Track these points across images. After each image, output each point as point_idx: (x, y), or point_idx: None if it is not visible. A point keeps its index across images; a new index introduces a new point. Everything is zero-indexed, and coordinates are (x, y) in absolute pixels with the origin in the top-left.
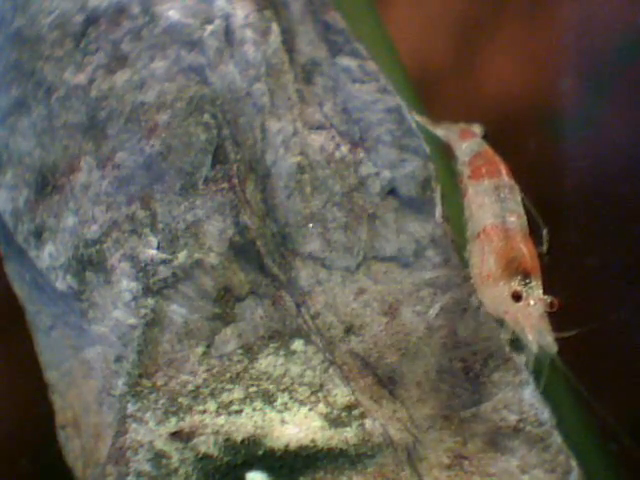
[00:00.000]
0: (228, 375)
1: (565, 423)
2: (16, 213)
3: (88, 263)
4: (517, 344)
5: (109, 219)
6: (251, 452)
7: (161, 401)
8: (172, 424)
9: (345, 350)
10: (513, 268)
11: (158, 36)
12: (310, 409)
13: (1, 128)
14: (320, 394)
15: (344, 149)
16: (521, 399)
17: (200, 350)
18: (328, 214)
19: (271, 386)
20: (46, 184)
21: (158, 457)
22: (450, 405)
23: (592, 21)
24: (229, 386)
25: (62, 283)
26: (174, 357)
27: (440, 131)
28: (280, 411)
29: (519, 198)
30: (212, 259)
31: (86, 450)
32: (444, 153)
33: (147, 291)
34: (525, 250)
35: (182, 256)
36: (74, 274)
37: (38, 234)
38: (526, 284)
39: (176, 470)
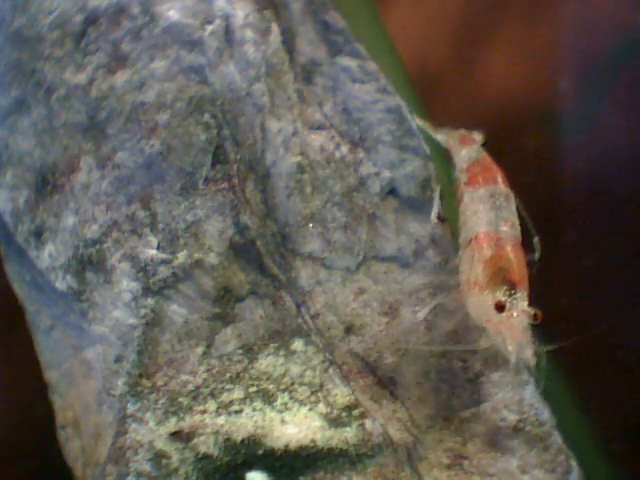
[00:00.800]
0: (228, 375)
1: (565, 423)
2: (16, 213)
3: (88, 263)
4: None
5: (109, 219)
6: (251, 452)
7: (161, 401)
8: (172, 424)
9: (345, 350)
10: (500, 278)
11: (158, 36)
12: (310, 409)
13: (1, 128)
14: (320, 394)
15: (344, 149)
16: (521, 399)
17: (200, 350)
18: (328, 214)
19: (271, 386)
20: (46, 184)
21: (158, 457)
22: (450, 405)
23: (592, 21)
24: (229, 386)
25: (62, 283)
26: (174, 357)
27: (440, 136)
28: (280, 411)
29: (514, 207)
30: (212, 259)
31: (86, 450)
32: (444, 154)
33: (147, 291)
34: (514, 261)
35: (182, 256)
36: (74, 274)
37: (38, 234)
38: (511, 295)
39: (176, 470)
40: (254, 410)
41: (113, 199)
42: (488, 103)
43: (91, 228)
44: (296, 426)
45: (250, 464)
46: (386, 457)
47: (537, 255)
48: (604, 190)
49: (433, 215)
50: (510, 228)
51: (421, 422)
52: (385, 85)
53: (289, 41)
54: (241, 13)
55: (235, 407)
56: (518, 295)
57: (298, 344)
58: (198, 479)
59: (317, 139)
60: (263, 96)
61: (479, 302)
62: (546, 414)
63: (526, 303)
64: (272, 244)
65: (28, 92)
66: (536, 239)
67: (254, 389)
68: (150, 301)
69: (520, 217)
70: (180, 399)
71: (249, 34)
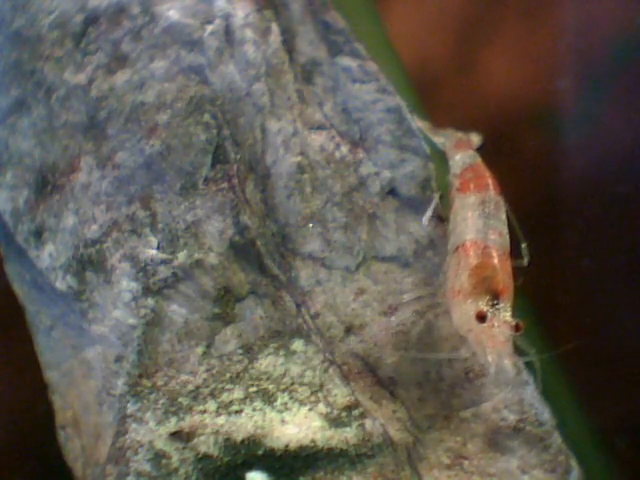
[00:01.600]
0: (228, 375)
1: (565, 423)
2: (16, 213)
3: (88, 263)
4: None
5: (109, 219)
6: (251, 452)
7: (161, 401)
8: (172, 424)
9: (345, 350)
10: (484, 287)
11: (158, 36)
12: (310, 409)
13: (1, 128)
14: (320, 394)
15: (344, 149)
16: (521, 399)
17: (200, 350)
18: (328, 214)
19: (271, 386)
20: (46, 184)
21: (158, 457)
22: (450, 405)
23: (592, 21)
24: (229, 386)
25: (62, 283)
26: (174, 357)
27: (438, 138)
28: (280, 411)
29: (504, 216)
30: (212, 259)
31: (86, 450)
32: (444, 154)
33: (147, 291)
34: (500, 270)
35: (182, 256)
36: (74, 274)
37: (38, 234)
38: (493, 305)
39: (176, 470)
40: (254, 410)
41: (113, 199)
42: (488, 103)
43: (91, 228)
44: (296, 426)
45: (250, 464)
46: (386, 457)
47: (525, 261)
48: (604, 190)
49: (425, 219)
50: (498, 236)
51: (421, 422)
52: (385, 85)
53: (289, 41)
54: (241, 13)
55: (235, 407)
56: (501, 305)
57: (298, 344)
58: (198, 479)
59: (317, 139)
60: (263, 96)
61: (462, 311)
62: (546, 414)
63: (509, 314)
64: (272, 244)
65: (28, 92)
66: (524, 245)
67: (254, 389)
68: (150, 301)
69: (509, 224)
70: (180, 399)
71: (249, 34)
